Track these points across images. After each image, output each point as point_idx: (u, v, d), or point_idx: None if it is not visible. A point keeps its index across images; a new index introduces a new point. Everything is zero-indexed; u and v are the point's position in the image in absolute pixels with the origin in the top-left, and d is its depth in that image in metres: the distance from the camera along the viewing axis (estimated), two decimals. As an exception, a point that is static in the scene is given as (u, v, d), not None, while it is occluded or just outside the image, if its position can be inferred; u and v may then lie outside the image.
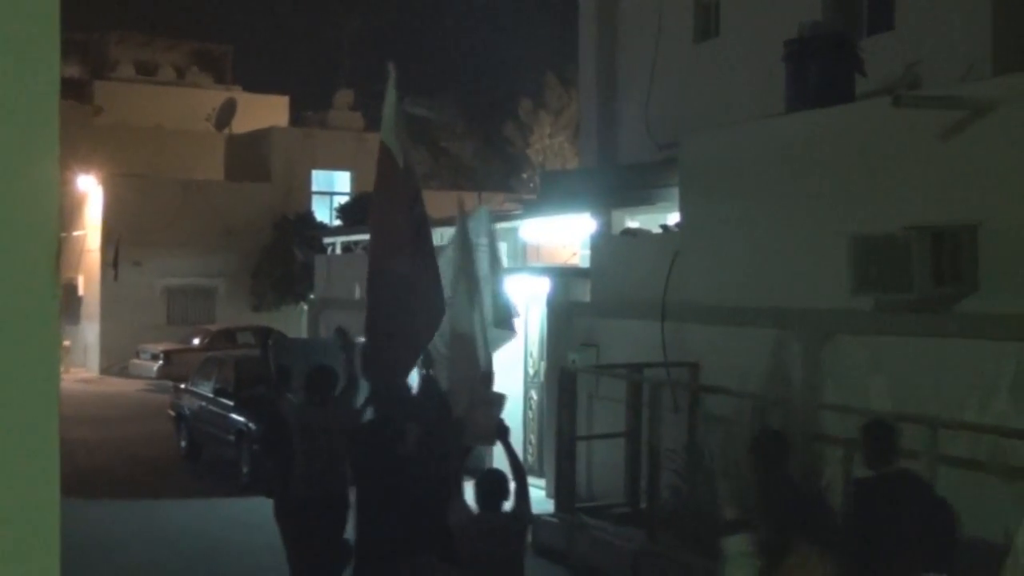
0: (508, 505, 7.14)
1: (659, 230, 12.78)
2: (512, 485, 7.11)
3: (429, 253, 9.22)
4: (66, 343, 30.83)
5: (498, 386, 9.03)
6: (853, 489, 6.61)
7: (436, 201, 34.25)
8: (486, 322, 9.09)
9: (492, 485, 7.04)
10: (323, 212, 34.23)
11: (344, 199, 33.35)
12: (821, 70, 10.13)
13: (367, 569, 8.23)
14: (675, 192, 11.95)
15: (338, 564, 8.68)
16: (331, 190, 35.63)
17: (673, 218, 12.45)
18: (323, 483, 8.86)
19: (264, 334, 26.78)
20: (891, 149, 9.10)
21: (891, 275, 8.38)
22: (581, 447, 11.85)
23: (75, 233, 32.70)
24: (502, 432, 7.93)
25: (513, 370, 15.41)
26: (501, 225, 18.40)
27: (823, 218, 9.64)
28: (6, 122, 1.37)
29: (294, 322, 30.18)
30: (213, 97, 40.85)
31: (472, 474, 7.64)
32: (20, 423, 1.37)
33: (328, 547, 8.81)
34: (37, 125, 1.39)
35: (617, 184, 13.80)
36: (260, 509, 10.62)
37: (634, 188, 13.34)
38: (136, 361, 29.26)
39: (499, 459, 9.22)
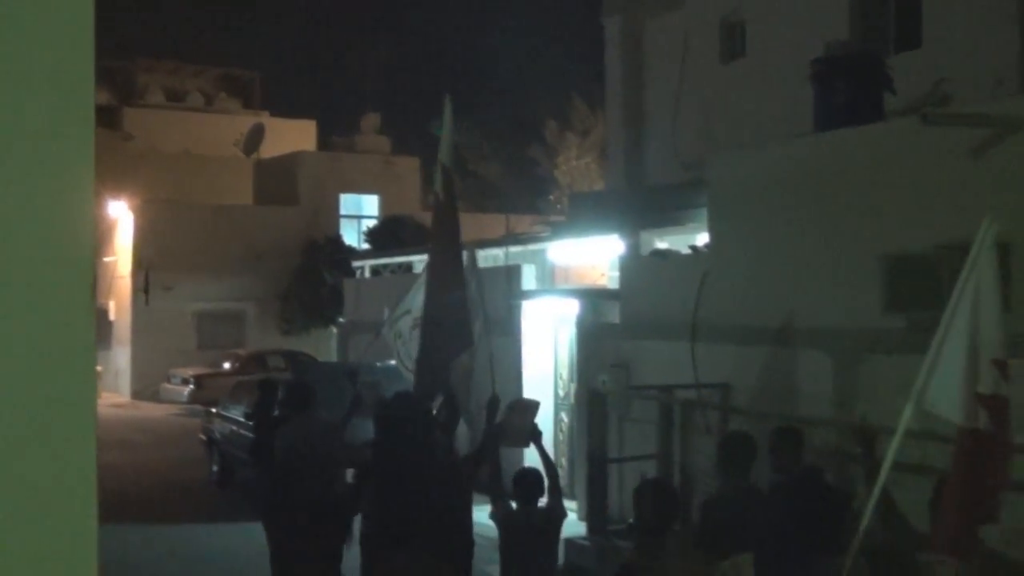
0: (543, 501, 7.74)
1: (688, 251, 12.76)
2: (546, 483, 7.73)
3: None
4: (98, 368, 30.99)
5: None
6: (771, 493, 6.68)
7: (462, 223, 34.24)
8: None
9: (530, 482, 7.63)
10: (351, 235, 34.35)
11: (372, 222, 33.47)
12: (849, 89, 10.11)
13: (369, 554, 8.35)
14: (704, 212, 11.93)
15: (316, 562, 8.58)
16: (359, 213, 35.77)
17: (702, 239, 12.43)
18: (300, 489, 8.72)
19: (291, 358, 26.84)
20: (921, 167, 9.06)
21: (922, 294, 8.34)
22: (612, 469, 11.81)
23: (106, 259, 32.94)
24: (535, 436, 8.41)
25: (543, 392, 15.41)
26: (530, 247, 18.43)
27: (853, 237, 9.60)
28: (43, 151, 1.38)
29: (324, 345, 30.27)
30: (241, 122, 41.14)
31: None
32: (59, 448, 1.39)
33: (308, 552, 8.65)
34: (73, 153, 1.41)
35: (645, 205, 13.79)
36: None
37: (662, 209, 13.33)
38: (167, 386, 29.38)
39: (532, 461, 9.45)
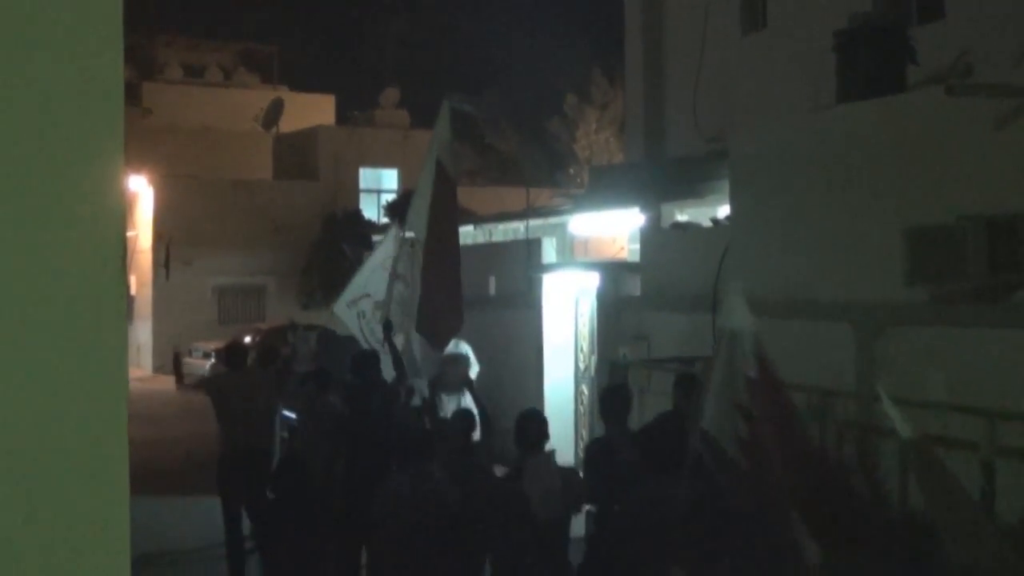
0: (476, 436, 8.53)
1: (709, 223, 12.73)
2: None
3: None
4: (119, 343, 31.18)
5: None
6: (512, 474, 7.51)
7: (482, 197, 34.40)
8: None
9: (537, 423, 7.67)
10: (371, 210, 34.38)
11: (391, 196, 33.48)
12: (872, 60, 10.02)
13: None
14: (725, 185, 11.89)
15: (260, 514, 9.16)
16: (379, 188, 35.79)
17: (723, 211, 12.39)
18: (244, 441, 10.60)
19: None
20: (944, 139, 9.00)
21: (946, 266, 8.30)
22: (632, 442, 11.82)
23: (127, 234, 33.08)
24: (468, 383, 10.27)
25: (564, 365, 15.42)
26: (550, 220, 18.42)
27: (876, 209, 9.55)
28: (73, 126, 1.39)
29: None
30: (260, 97, 41.17)
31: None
32: (91, 421, 1.40)
33: (248, 498, 10.12)
34: (103, 128, 1.41)
35: (666, 178, 13.75)
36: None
37: (683, 182, 13.29)
38: (188, 360, 29.53)
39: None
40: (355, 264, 27.99)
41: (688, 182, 13.16)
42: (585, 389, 15.16)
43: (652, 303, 12.92)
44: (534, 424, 7.49)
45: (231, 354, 11.50)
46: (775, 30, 13.90)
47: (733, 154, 11.66)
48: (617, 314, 13.49)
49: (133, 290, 33.44)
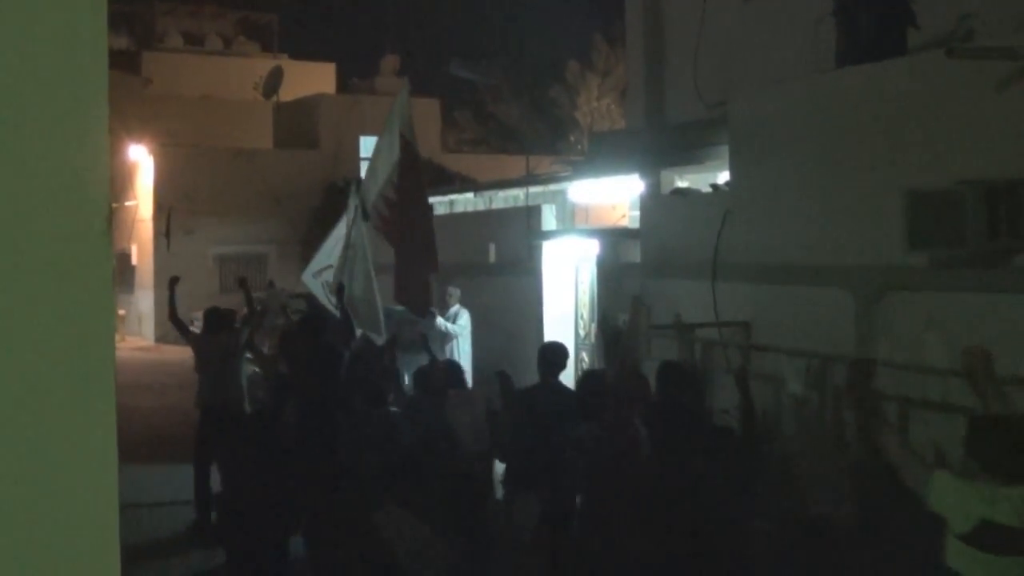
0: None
1: (709, 189, 12.70)
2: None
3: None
4: (121, 312, 31.20)
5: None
6: None
7: (484, 165, 34.30)
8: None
9: (556, 352, 9.16)
10: (371, 178, 34.31)
11: (392, 165, 33.41)
12: (872, 23, 9.98)
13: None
14: (725, 151, 11.86)
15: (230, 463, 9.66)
16: (379, 156, 35.71)
17: (723, 177, 12.37)
18: (215, 396, 11.72)
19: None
20: (945, 103, 8.97)
21: (946, 230, 8.29)
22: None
23: (127, 203, 33.03)
24: (424, 341, 11.26)
25: (564, 332, 15.43)
26: (550, 187, 18.40)
27: (876, 174, 9.54)
28: (55, 84, 1.38)
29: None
30: (260, 65, 40.97)
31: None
32: (77, 387, 1.39)
33: (217, 449, 10.78)
34: (86, 85, 1.40)
35: (666, 144, 13.72)
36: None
37: (683, 148, 13.26)
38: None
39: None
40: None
41: (688, 148, 13.13)
42: (585, 356, 15.18)
43: (652, 270, 12.92)
44: (548, 352, 9.11)
45: (207, 317, 12.81)
46: (776, -5, 13.82)
47: (733, 120, 11.63)
48: (617, 281, 13.49)
49: (134, 260, 33.39)
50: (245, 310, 12.80)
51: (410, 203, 11.74)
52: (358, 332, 11.83)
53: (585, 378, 9.12)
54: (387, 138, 12.08)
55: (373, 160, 12.50)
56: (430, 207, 12.57)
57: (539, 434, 8.20)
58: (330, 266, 13.21)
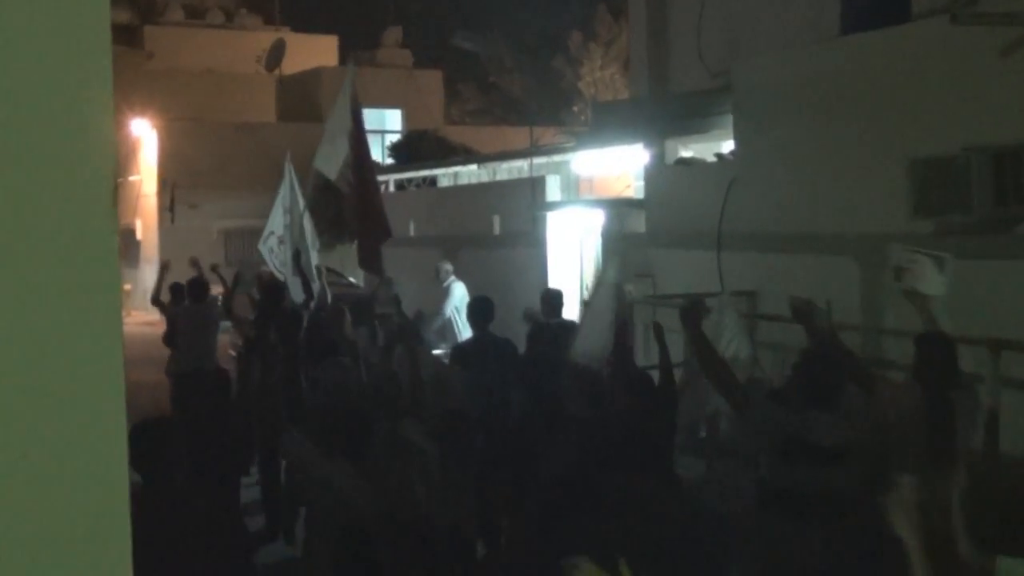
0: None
1: (714, 159, 12.67)
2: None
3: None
4: (127, 287, 31.24)
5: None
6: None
7: (486, 136, 34.20)
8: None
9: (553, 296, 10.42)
10: (375, 150, 34.20)
11: (395, 137, 33.34)
12: (876, -10, 9.94)
13: None
14: (729, 120, 11.82)
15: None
16: (382, 128, 35.59)
17: (728, 146, 12.33)
18: (192, 362, 12.57)
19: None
20: (949, 69, 8.93)
21: (951, 197, 8.27)
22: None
23: (131, 178, 32.99)
24: (396, 301, 11.18)
25: (569, 303, 15.42)
26: (554, 158, 18.35)
27: (881, 141, 9.51)
28: (60, 58, 1.37)
29: (349, 260, 30.31)
30: (262, 39, 40.79)
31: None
32: (86, 362, 1.39)
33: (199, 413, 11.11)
34: (90, 58, 1.39)
35: (670, 113, 13.66)
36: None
37: (687, 117, 13.21)
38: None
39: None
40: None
41: (692, 117, 13.08)
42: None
43: (657, 240, 12.91)
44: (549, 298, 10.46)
45: (191, 288, 13.37)
46: (779, -38, 13.74)
47: (736, 88, 11.59)
48: (622, 251, 13.48)
49: (139, 235, 33.37)
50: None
51: (360, 178, 12.58)
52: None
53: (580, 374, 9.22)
54: (340, 114, 13.04)
55: (327, 132, 13.49)
56: (378, 189, 13.58)
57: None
58: (272, 232, 14.80)
